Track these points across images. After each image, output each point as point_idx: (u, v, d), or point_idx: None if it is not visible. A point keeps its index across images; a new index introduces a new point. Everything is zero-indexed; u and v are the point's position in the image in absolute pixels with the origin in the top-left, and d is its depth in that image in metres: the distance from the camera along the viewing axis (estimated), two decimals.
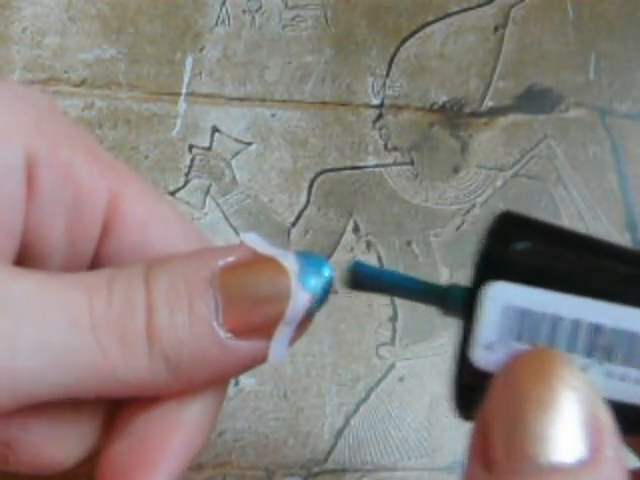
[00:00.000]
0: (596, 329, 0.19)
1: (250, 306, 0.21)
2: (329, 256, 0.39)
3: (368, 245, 0.39)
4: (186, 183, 0.39)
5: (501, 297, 0.20)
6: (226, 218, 0.39)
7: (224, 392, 0.24)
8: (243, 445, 0.36)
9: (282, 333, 0.21)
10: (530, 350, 0.20)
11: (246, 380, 0.37)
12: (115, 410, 0.23)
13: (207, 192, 0.39)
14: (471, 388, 0.20)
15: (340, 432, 0.37)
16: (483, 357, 0.20)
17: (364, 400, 0.38)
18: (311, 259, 0.22)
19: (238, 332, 0.21)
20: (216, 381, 0.22)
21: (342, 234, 0.39)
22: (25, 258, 0.22)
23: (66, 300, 0.20)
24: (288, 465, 0.36)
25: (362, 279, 0.22)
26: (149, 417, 0.22)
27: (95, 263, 0.23)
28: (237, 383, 0.37)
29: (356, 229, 0.39)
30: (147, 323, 0.20)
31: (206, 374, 0.21)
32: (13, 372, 0.19)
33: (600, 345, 0.19)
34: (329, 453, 0.37)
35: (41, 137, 0.21)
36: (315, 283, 0.21)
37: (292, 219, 0.39)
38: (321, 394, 0.37)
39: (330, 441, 0.37)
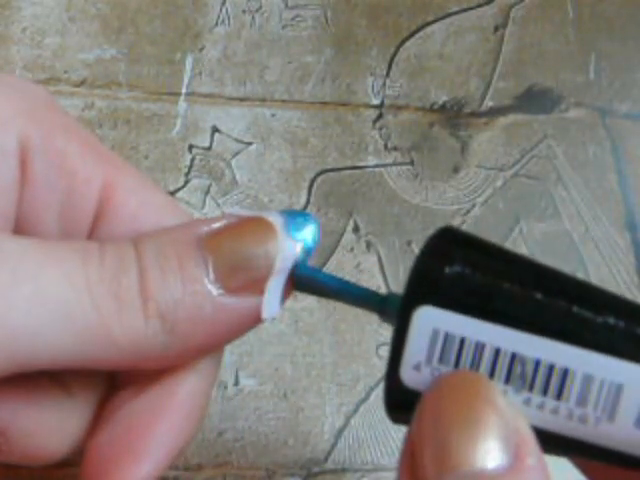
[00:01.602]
0: (515, 358, 0.20)
1: (239, 262, 0.21)
2: (329, 256, 0.39)
3: (368, 245, 0.39)
4: (186, 183, 0.39)
5: (429, 321, 0.20)
6: None
7: (214, 374, 0.23)
8: (243, 445, 0.36)
9: (273, 286, 0.21)
10: (453, 372, 0.20)
11: (246, 380, 0.37)
12: (106, 401, 0.23)
13: (207, 192, 0.39)
14: (402, 403, 0.21)
15: (340, 432, 0.37)
16: (411, 377, 0.21)
17: (364, 400, 0.38)
18: (294, 212, 0.22)
19: (230, 289, 0.21)
20: (212, 344, 0.22)
21: (342, 234, 0.39)
22: None
23: (61, 258, 0.20)
24: (288, 465, 0.36)
25: (304, 281, 0.22)
26: (135, 405, 0.22)
27: None
28: (237, 383, 0.37)
29: (356, 229, 0.39)
30: (140, 282, 0.20)
31: (202, 334, 0.21)
32: (11, 329, 0.19)
33: (519, 374, 0.20)
34: (329, 453, 0.37)
35: (36, 125, 0.21)
36: (301, 231, 0.22)
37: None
38: (321, 394, 0.37)
39: (330, 441, 0.37)
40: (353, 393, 0.38)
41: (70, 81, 0.39)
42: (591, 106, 0.42)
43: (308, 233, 0.22)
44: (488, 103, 0.42)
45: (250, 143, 0.40)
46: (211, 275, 0.21)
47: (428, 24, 0.42)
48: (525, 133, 0.42)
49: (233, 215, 0.22)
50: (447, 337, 0.20)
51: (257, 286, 0.21)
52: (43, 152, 0.21)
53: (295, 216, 0.22)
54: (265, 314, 0.21)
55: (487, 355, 0.20)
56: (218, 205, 0.39)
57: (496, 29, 0.43)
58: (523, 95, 0.42)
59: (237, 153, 0.40)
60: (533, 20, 0.43)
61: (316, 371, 0.38)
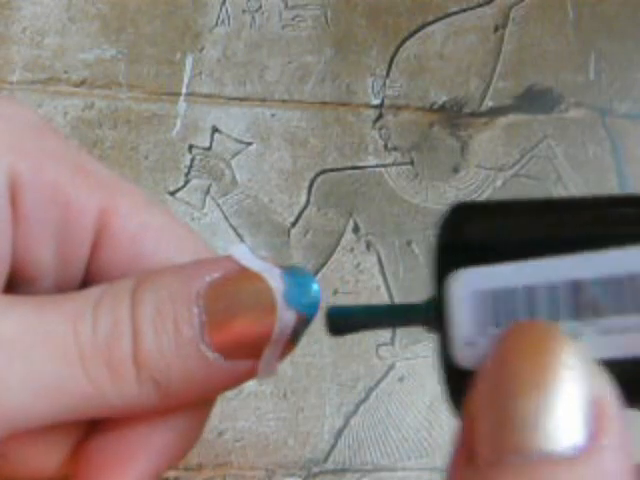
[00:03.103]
0: (575, 286, 0.17)
1: (236, 326, 0.20)
2: (329, 256, 0.39)
3: (368, 245, 0.39)
4: (186, 183, 0.39)
5: (467, 285, 0.18)
6: (226, 218, 0.39)
7: (213, 401, 0.23)
8: (243, 445, 0.36)
9: (270, 352, 0.21)
10: (513, 325, 0.17)
11: None
12: None
13: (207, 192, 0.39)
14: (464, 392, 0.18)
15: (340, 432, 0.37)
16: (467, 356, 0.18)
17: (364, 400, 0.38)
18: (298, 276, 0.21)
19: (225, 352, 0.20)
20: (206, 399, 0.22)
21: (342, 234, 0.39)
22: (15, 281, 0.22)
23: (53, 332, 0.20)
24: (288, 465, 0.36)
25: (341, 323, 0.21)
26: (130, 420, 0.22)
27: (87, 280, 0.22)
28: None
29: (356, 229, 0.39)
30: (133, 348, 0.20)
31: (195, 394, 0.21)
32: (2, 408, 0.19)
33: (585, 302, 0.17)
34: (329, 453, 0.37)
35: (25, 158, 0.21)
36: (302, 301, 0.21)
37: (292, 219, 0.39)
38: (321, 394, 0.37)
39: (330, 441, 0.37)
40: (353, 393, 0.38)
41: (70, 81, 0.39)
42: (591, 106, 0.42)
43: (308, 302, 0.21)
44: (488, 103, 0.42)
45: (250, 143, 0.40)
46: (206, 338, 0.20)
47: (428, 24, 0.42)
48: (525, 133, 0.42)
49: (236, 262, 0.21)
50: (494, 295, 0.18)
51: (253, 351, 0.21)
52: (34, 187, 0.21)
53: (298, 280, 0.21)
54: (261, 376, 0.21)
55: (543, 297, 0.17)
56: (218, 205, 0.39)
57: (496, 29, 0.43)
58: (523, 95, 0.42)
59: (237, 153, 0.40)
60: (533, 20, 0.43)
61: (316, 371, 0.38)
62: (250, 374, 0.21)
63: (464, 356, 0.18)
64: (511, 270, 0.18)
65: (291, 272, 0.21)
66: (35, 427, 0.20)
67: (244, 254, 0.21)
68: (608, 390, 0.16)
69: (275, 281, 0.21)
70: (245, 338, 0.20)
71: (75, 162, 0.22)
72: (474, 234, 0.19)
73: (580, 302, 0.17)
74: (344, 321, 0.21)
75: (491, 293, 0.18)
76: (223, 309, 0.20)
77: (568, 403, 0.16)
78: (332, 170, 0.40)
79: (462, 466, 0.17)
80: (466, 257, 0.18)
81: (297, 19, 0.42)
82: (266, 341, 0.21)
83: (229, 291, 0.21)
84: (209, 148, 0.40)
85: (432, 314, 0.19)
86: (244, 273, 0.21)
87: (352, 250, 0.39)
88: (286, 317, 0.21)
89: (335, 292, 0.38)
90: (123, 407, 0.20)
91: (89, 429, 0.23)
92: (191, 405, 0.22)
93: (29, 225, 0.21)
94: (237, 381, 0.21)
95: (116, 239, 0.22)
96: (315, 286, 0.21)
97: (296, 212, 0.39)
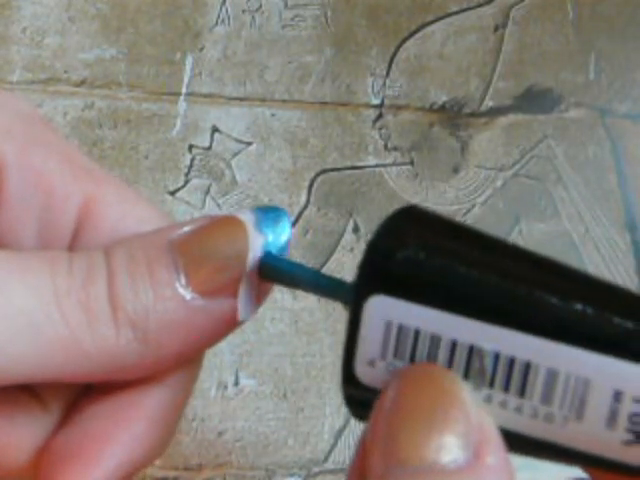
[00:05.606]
0: (473, 351, 0.18)
1: (211, 264, 0.20)
2: (329, 256, 0.39)
3: None
4: (186, 183, 0.39)
5: (382, 312, 0.19)
6: None
7: (187, 389, 0.23)
8: (243, 445, 0.36)
9: (247, 286, 0.21)
10: (412, 365, 0.19)
11: (246, 380, 0.37)
12: (74, 403, 0.23)
13: (207, 192, 0.39)
14: (361, 402, 0.19)
15: (340, 432, 0.37)
16: (367, 373, 0.19)
17: None
18: (267, 209, 0.22)
19: (203, 292, 0.20)
20: (188, 351, 0.21)
21: (342, 234, 0.39)
22: None
23: (28, 270, 0.20)
24: (288, 465, 0.36)
25: (271, 271, 0.21)
26: (99, 410, 0.21)
27: None
28: (237, 383, 0.37)
29: (356, 229, 0.39)
30: (109, 291, 0.20)
31: (176, 341, 0.21)
32: None
33: (477, 369, 0.18)
34: (329, 453, 0.37)
35: (11, 142, 0.21)
36: (273, 229, 0.21)
37: (292, 219, 0.39)
38: (321, 394, 0.37)
39: (330, 441, 0.37)
40: None
41: (70, 81, 0.39)
42: (591, 106, 0.42)
43: (280, 229, 0.21)
44: (488, 103, 0.42)
45: (250, 143, 0.40)
46: (182, 279, 0.20)
47: (428, 24, 0.42)
48: (525, 133, 0.42)
49: (207, 217, 0.21)
50: (401, 329, 0.18)
51: (230, 287, 0.21)
52: (18, 169, 0.21)
53: (268, 212, 0.21)
54: (241, 315, 0.21)
55: (443, 348, 0.18)
56: (218, 205, 0.39)
57: (496, 29, 0.43)
58: (523, 95, 0.42)
59: (237, 153, 0.40)
60: (533, 20, 0.43)
61: (316, 371, 0.38)
62: (230, 317, 0.21)
63: (363, 372, 0.19)
64: (426, 315, 0.18)
65: (261, 207, 0.22)
66: (10, 379, 0.19)
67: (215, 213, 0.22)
68: (490, 421, 0.18)
69: (245, 215, 0.21)
70: (221, 274, 0.21)
71: (62, 151, 0.22)
72: (407, 263, 0.18)
73: (473, 366, 0.18)
74: (274, 270, 0.21)
75: (401, 327, 0.19)
76: (197, 250, 0.21)
77: (452, 427, 0.17)
78: (332, 170, 0.40)
79: None
80: (391, 281, 0.19)
81: (297, 19, 0.42)
82: (242, 275, 0.21)
83: (202, 236, 0.21)
84: (209, 148, 0.40)
85: (349, 302, 0.19)
86: (215, 220, 0.21)
87: (352, 250, 0.39)
88: (258, 245, 0.21)
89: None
90: (102, 359, 0.20)
91: (60, 424, 0.22)
92: (175, 365, 0.22)
93: (11, 206, 0.21)
94: (218, 326, 0.21)
95: (97, 228, 0.22)
96: (286, 216, 0.22)
97: (296, 212, 0.39)
